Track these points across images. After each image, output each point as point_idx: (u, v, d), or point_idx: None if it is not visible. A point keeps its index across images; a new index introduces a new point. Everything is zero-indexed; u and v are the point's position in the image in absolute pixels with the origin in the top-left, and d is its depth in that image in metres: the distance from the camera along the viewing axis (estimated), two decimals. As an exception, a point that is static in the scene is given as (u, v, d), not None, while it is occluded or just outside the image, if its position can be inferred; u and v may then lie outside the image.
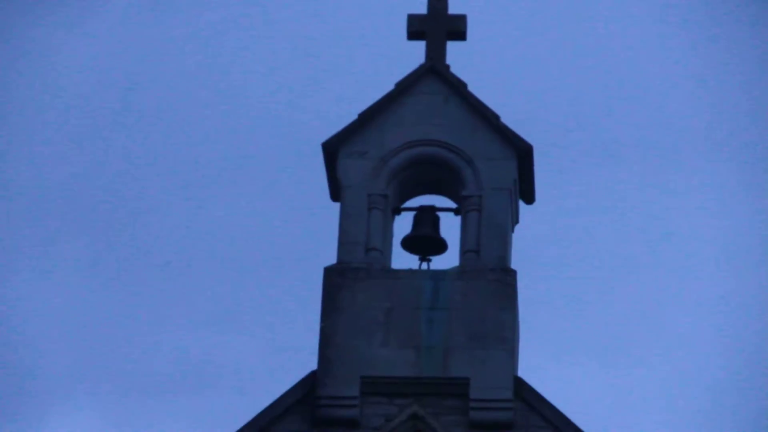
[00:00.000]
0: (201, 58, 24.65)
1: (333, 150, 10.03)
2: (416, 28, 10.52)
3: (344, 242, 9.98)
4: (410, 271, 10.04)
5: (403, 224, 10.29)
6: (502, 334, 9.43)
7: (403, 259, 10.12)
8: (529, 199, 10.76)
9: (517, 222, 10.57)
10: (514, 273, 9.72)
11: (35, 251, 23.44)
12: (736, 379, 22.76)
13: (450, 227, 10.15)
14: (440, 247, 10.21)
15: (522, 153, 9.87)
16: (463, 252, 9.90)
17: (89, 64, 25.29)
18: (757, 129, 24.97)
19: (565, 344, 21.37)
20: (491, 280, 9.59)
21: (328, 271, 9.74)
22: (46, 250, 23.24)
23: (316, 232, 11.29)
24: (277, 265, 20.33)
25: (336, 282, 9.61)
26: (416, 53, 10.34)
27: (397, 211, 10.41)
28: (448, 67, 10.28)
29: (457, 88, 10.09)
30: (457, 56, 10.42)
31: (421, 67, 10.19)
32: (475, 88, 10.21)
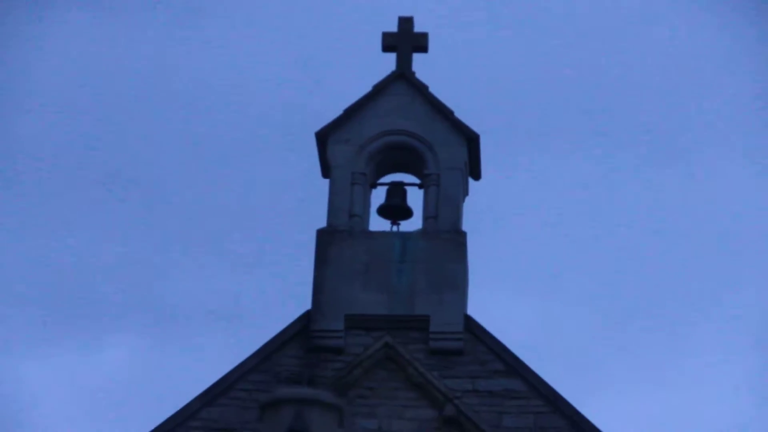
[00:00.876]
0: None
1: (324, 138, 11.42)
2: (389, 43, 11.91)
3: (333, 210, 11.42)
4: (384, 233, 11.53)
5: (378, 196, 11.81)
6: (455, 281, 10.98)
7: (378, 223, 11.69)
8: (477, 176, 12.41)
9: (467, 194, 12.11)
10: (464, 234, 11.26)
11: (93, 208, 27.13)
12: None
13: (415, 198, 11.73)
14: (407, 213, 11.70)
15: (471, 140, 11.38)
16: (425, 218, 11.45)
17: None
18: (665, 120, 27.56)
19: (507, 288, 23.78)
20: (446, 239, 11.09)
21: (320, 233, 11.18)
22: (102, 207, 27.02)
23: (311, 202, 12.68)
24: (281, 228, 23.02)
25: (326, 241, 11.05)
26: (389, 63, 11.83)
27: (374, 185, 11.79)
28: (414, 73, 11.74)
29: (421, 90, 11.55)
30: (421, 65, 11.94)
31: (393, 73, 11.64)
32: (435, 89, 11.72)
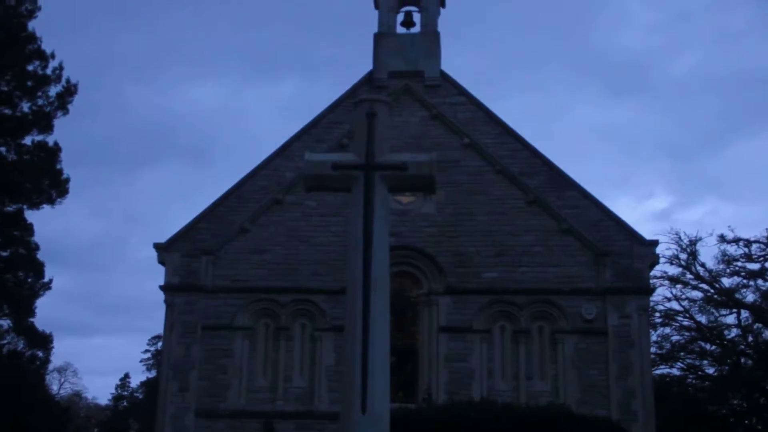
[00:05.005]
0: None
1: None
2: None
3: (381, 23, 23.79)
4: (405, 33, 23.80)
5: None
6: (436, 54, 23.63)
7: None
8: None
9: (444, 7, 24.41)
10: (438, 33, 23.83)
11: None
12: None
13: (417, 17, 24.01)
14: (413, 26, 23.85)
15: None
16: (422, 26, 23.90)
17: None
18: None
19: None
20: (431, 35, 23.77)
21: (376, 35, 23.53)
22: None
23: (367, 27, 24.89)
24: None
25: (378, 39, 23.58)
26: None
27: (397, 11, 23.83)
28: None
29: None
30: None
31: None
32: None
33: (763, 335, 34.51)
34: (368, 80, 23.34)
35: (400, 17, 23.84)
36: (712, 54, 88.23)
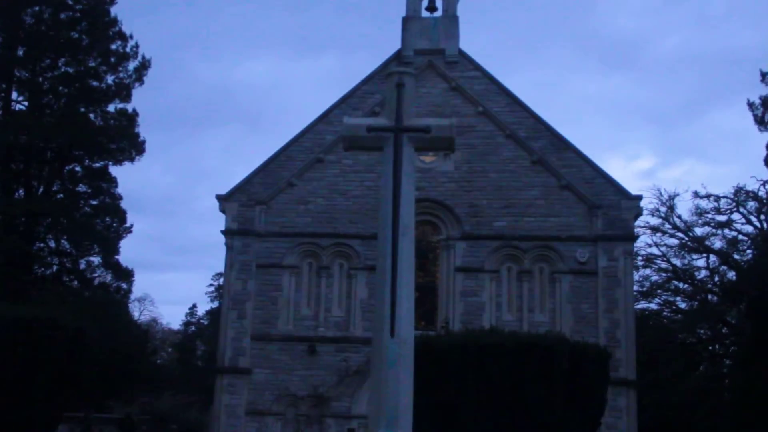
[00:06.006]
0: None
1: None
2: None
3: (408, 8, 23.30)
4: (430, 17, 23.33)
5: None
6: (455, 35, 23.21)
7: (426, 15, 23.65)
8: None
9: None
10: (457, 17, 23.32)
11: None
12: None
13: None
14: (435, 9, 23.32)
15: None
16: (443, 11, 23.26)
17: None
18: None
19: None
20: (452, 17, 23.13)
21: (404, 19, 23.22)
22: None
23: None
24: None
25: (406, 23, 23.16)
26: None
27: None
28: None
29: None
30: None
31: None
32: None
33: (727, 276, 34.40)
34: (397, 57, 22.95)
35: (425, 2, 23.21)
36: (695, 35, 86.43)
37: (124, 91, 28.44)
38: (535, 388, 8.82)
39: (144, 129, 47.00)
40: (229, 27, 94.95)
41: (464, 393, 8.76)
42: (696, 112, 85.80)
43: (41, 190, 27.74)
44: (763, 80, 30.27)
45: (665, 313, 36.16)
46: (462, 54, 23.25)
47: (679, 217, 34.41)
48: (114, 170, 28.76)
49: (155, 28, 77.61)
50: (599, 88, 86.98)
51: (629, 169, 76.68)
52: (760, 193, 32.39)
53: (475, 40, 78.24)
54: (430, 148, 6.54)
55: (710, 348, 35.67)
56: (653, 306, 35.66)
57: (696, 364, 34.82)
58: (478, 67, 23.20)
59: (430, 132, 6.07)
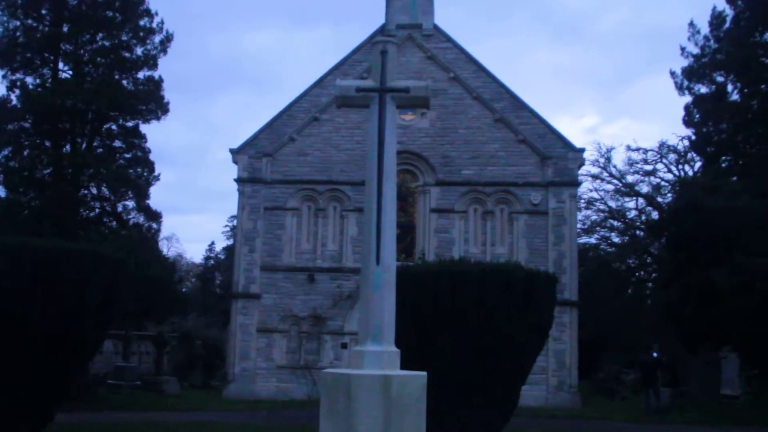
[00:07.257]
0: None
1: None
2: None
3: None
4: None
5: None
6: (430, 13, 22.51)
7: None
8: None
9: None
10: None
11: None
12: None
13: None
14: None
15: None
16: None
17: None
18: None
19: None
20: (428, 4, 22.45)
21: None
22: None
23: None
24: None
25: (391, 4, 22.47)
26: None
27: None
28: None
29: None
30: None
31: None
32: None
33: (652, 215, 34.83)
34: (381, 30, 22.37)
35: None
36: (634, 12, 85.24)
37: (151, 61, 27.82)
38: (496, 306, 8.86)
39: (168, 92, 46.16)
40: (237, 3, 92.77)
41: (438, 311, 8.80)
42: (631, 79, 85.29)
43: (84, 145, 27.39)
44: (682, 53, 30.19)
45: (602, 246, 36.56)
46: (436, 28, 22.71)
47: (615, 167, 34.67)
48: (143, 128, 28.26)
49: (176, 4, 75.62)
50: (553, 58, 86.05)
51: (576, 126, 76.46)
52: (679, 147, 32.94)
53: (448, 14, 76.76)
54: (409, 105, 6.35)
55: (636, 274, 36.21)
56: (592, 240, 36.05)
57: (625, 287, 35.44)
58: (449, 39, 22.69)
59: (409, 92, 5.90)
